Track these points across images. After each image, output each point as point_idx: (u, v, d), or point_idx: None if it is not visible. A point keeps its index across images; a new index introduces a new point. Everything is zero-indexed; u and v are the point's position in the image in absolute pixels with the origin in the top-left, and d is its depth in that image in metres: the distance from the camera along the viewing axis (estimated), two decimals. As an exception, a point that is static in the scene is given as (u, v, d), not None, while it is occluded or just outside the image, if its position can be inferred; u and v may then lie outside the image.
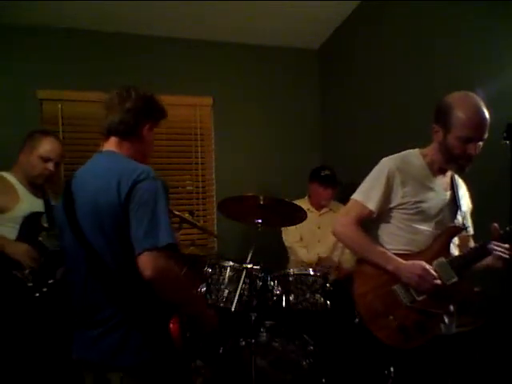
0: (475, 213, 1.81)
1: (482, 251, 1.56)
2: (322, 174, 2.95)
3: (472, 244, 1.79)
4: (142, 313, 1.34)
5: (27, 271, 2.01)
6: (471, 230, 1.80)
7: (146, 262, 1.24)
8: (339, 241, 1.81)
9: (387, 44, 2.87)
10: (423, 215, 1.64)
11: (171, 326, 1.34)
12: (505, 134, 1.51)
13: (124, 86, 1.51)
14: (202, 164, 3.65)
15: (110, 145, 1.48)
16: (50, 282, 2.06)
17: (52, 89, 3.22)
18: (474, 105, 1.55)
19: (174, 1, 2.95)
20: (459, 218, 1.71)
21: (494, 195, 1.76)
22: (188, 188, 3.69)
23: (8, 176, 2.17)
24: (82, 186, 1.42)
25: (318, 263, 2.81)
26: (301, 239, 2.98)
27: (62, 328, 1.82)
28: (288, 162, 3.72)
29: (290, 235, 3.00)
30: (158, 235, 1.27)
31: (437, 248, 1.63)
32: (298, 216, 2.31)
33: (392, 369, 1.66)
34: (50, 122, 3.25)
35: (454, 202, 1.71)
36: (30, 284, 2.01)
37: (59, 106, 3.27)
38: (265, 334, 2.31)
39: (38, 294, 2.02)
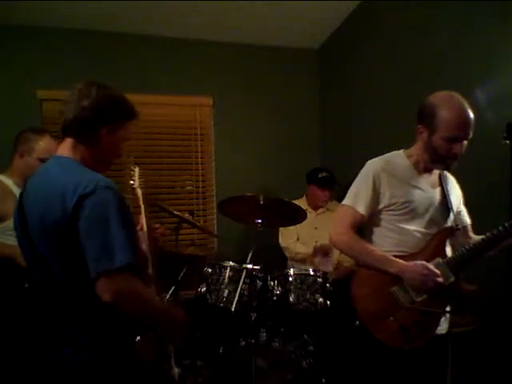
0: (475, 213, 1.81)
1: (481, 249, 1.56)
2: (320, 176, 2.96)
3: (472, 233, 1.78)
4: (107, 331, 1.25)
5: None
6: (467, 220, 1.80)
7: (103, 287, 1.13)
8: (337, 249, 1.82)
9: (387, 44, 2.87)
10: (412, 214, 1.65)
11: (137, 340, 1.25)
12: (505, 134, 1.50)
13: (87, 82, 1.34)
14: (202, 164, 3.65)
15: (64, 148, 1.32)
16: None
17: (52, 89, 3.22)
18: (458, 104, 1.56)
19: (174, 1, 2.95)
20: (451, 215, 1.71)
21: (494, 195, 1.77)
22: (188, 188, 3.69)
23: (5, 180, 2.08)
24: (30, 200, 1.28)
25: (315, 253, 2.82)
26: (297, 239, 2.99)
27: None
28: (288, 162, 3.72)
29: (287, 236, 3.02)
30: (114, 256, 1.13)
31: (433, 249, 1.64)
32: (298, 216, 2.31)
33: (385, 370, 1.66)
34: (50, 122, 3.24)
35: (445, 199, 1.71)
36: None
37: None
38: (265, 334, 2.31)
39: None
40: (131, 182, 1.79)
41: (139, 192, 1.75)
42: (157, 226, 1.81)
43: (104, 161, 1.38)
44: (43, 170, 1.34)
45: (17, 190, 2.07)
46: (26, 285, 1.95)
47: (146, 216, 1.66)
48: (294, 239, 3.00)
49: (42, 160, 2.08)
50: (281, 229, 3.06)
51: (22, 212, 1.28)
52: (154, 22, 3.26)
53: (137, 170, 1.78)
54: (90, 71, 3.29)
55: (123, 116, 1.37)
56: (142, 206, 1.70)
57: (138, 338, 1.25)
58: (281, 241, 3.05)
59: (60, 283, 1.23)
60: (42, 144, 2.10)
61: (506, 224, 1.50)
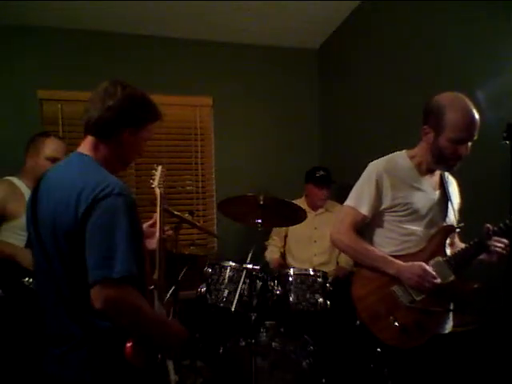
0: (475, 213, 1.81)
1: (479, 248, 1.57)
2: (318, 174, 2.99)
3: (457, 241, 1.80)
4: (101, 333, 1.23)
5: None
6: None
7: (96, 295, 1.12)
8: (337, 248, 1.82)
9: (387, 44, 2.87)
10: (414, 215, 1.66)
11: (126, 345, 1.22)
12: (505, 134, 1.51)
13: (112, 81, 1.33)
14: (201, 164, 3.65)
15: (86, 146, 1.32)
16: None
17: (52, 89, 3.22)
18: (465, 106, 1.56)
19: (174, 1, 2.95)
20: (451, 216, 1.72)
21: (494, 195, 1.77)
22: (188, 188, 3.69)
23: (17, 182, 2.19)
24: (44, 199, 1.26)
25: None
26: (284, 246, 3.08)
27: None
28: (288, 162, 3.72)
29: (275, 234, 3.12)
30: (113, 265, 1.11)
31: (433, 248, 1.65)
32: (298, 216, 2.31)
33: (386, 370, 1.66)
34: (50, 121, 3.25)
35: (445, 200, 1.72)
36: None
37: (59, 106, 3.27)
38: (265, 334, 2.31)
39: None
40: (151, 181, 1.80)
41: (157, 191, 1.76)
42: (167, 228, 1.84)
43: (124, 160, 1.38)
44: (63, 166, 1.32)
45: (27, 191, 2.14)
46: (26, 283, 2.01)
47: (160, 215, 1.66)
48: (275, 243, 3.08)
49: (50, 159, 2.18)
50: (272, 232, 3.13)
51: (35, 210, 1.27)
52: (154, 22, 3.25)
53: (159, 168, 1.79)
54: (90, 71, 3.29)
55: (147, 118, 1.37)
56: (159, 205, 1.70)
57: (129, 344, 1.21)
58: (268, 241, 3.14)
59: (59, 285, 1.22)
60: (49, 145, 2.22)
61: (507, 221, 1.51)
